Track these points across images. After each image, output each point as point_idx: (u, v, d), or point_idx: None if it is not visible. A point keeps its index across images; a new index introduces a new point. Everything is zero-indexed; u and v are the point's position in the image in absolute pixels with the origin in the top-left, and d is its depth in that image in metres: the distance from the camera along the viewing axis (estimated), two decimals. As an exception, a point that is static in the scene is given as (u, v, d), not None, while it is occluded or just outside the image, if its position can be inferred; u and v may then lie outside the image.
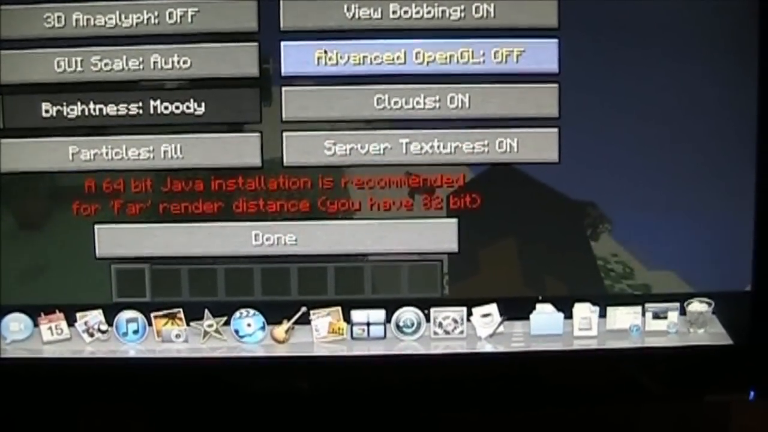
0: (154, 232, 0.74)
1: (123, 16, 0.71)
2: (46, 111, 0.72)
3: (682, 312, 0.75)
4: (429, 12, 0.71)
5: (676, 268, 0.75)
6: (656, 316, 0.75)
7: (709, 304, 0.75)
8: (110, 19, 0.71)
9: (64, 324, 0.75)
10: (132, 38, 0.71)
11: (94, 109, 0.72)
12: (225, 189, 0.73)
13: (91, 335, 0.75)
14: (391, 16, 0.71)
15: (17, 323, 0.75)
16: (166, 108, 0.72)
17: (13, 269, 0.75)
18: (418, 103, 0.72)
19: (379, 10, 0.71)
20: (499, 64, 0.72)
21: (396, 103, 0.72)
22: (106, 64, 0.72)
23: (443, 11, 0.71)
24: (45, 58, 0.72)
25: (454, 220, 0.74)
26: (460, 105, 0.72)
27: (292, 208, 0.74)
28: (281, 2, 0.71)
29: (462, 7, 0.71)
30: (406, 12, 0.71)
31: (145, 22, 0.71)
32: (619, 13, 0.71)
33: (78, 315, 0.75)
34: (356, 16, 0.71)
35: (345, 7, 0.71)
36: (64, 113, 0.72)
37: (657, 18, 0.72)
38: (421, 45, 0.71)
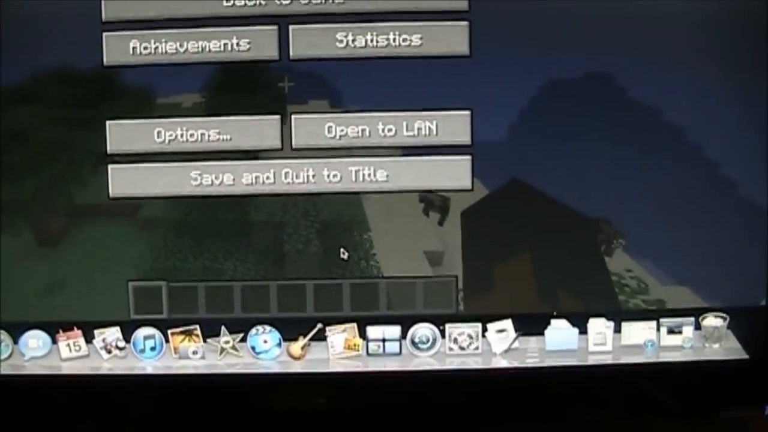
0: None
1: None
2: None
3: (697, 327, 0.75)
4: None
5: (690, 283, 0.75)
6: (671, 331, 0.75)
7: (725, 319, 0.75)
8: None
9: (82, 341, 0.76)
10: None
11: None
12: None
13: (109, 352, 0.76)
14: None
15: (36, 340, 0.76)
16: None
17: (31, 286, 0.75)
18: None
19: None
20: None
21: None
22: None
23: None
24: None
25: (469, 236, 0.74)
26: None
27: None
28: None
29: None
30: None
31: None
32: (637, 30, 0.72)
33: (96, 332, 0.76)
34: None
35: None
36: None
37: (667, 34, 0.72)
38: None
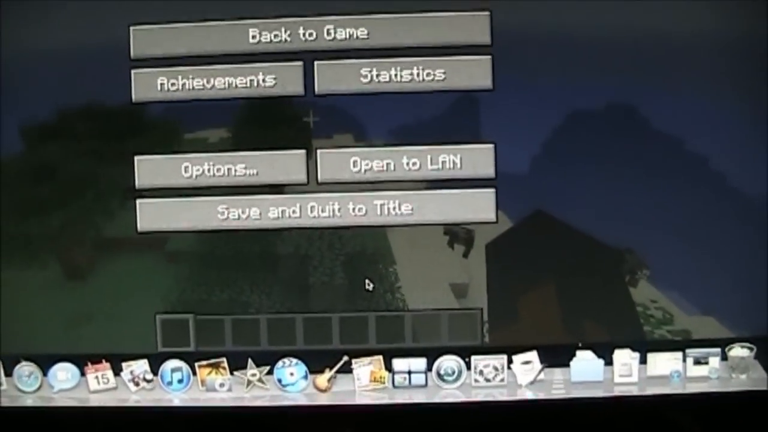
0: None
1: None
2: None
3: (724, 357, 0.75)
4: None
5: (716, 313, 0.75)
6: (697, 362, 0.75)
7: (751, 349, 0.75)
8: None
9: (110, 373, 0.76)
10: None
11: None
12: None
13: (137, 384, 0.76)
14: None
15: (64, 372, 0.77)
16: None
17: (59, 319, 0.76)
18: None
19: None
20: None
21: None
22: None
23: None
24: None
25: (493, 268, 0.75)
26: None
27: (333, 258, 0.75)
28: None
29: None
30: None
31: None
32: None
33: (124, 364, 0.76)
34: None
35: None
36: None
37: (689, 64, 0.73)
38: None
